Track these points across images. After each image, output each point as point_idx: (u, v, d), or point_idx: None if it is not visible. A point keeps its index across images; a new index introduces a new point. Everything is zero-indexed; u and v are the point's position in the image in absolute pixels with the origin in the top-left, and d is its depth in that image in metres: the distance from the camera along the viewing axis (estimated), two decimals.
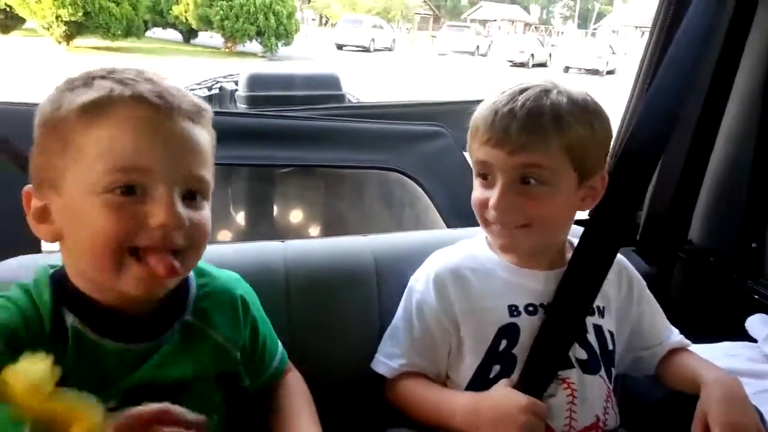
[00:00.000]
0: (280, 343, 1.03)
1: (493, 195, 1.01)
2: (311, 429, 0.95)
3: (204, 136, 0.81)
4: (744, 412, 0.99)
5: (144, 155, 0.74)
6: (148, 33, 18.20)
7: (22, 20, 15.51)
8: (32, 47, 14.03)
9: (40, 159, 0.77)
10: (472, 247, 1.15)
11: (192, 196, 0.79)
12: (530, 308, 1.06)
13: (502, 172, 1.01)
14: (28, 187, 0.79)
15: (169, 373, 0.82)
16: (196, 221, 0.78)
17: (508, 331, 1.04)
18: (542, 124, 0.98)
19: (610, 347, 1.08)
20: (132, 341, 0.81)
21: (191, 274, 0.92)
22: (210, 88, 3.10)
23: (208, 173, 0.81)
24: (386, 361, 1.10)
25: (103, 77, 0.78)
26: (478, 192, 1.06)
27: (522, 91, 1.02)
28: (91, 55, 13.81)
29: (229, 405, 0.94)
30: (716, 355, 1.31)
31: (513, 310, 1.05)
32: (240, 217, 2.07)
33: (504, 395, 0.98)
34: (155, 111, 0.75)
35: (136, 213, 0.74)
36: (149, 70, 0.82)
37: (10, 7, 14.38)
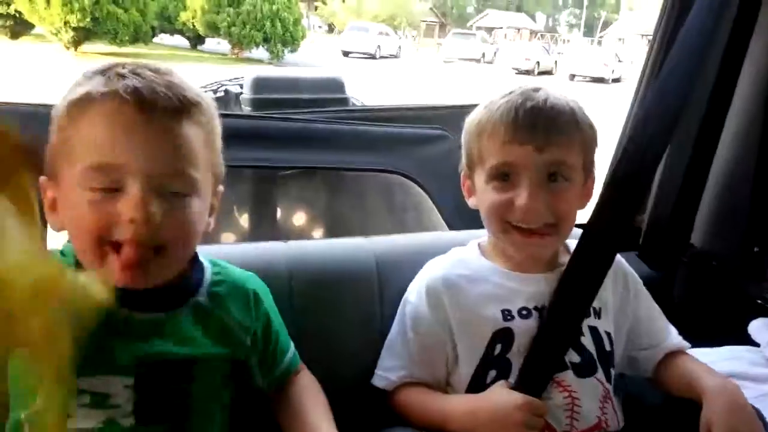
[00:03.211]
0: (291, 342, 1.04)
1: (521, 195, 1.00)
2: (326, 425, 0.95)
3: (192, 133, 0.81)
4: (747, 420, 0.99)
5: (117, 152, 0.77)
6: (156, 39, 18.27)
7: (31, 26, 15.62)
8: (40, 53, 14.11)
9: (48, 151, 0.81)
10: (463, 254, 1.15)
11: (174, 193, 0.80)
12: (524, 312, 1.06)
13: (529, 170, 1.00)
14: (42, 178, 0.82)
15: (178, 350, 0.85)
16: (175, 218, 0.80)
17: (503, 336, 1.04)
18: (567, 120, 1.02)
19: (608, 348, 1.08)
20: (138, 310, 0.84)
21: (207, 264, 0.95)
22: (215, 92, 3.11)
23: (195, 170, 0.82)
24: (385, 374, 1.10)
25: (102, 72, 0.81)
26: (495, 195, 1.04)
27: (536, 90, 1.04)
28: (98, 61, 13.85)
29: (239, 409, 0.95)
30: (718, 359, 1.30)
31: (506, 314, 1.05)
32: (243, 220, 2.08)
33: (501, 395, 0.98)
34: (129, 108, 0.77)
35: (112, 209, 0.77)
36: (152, 64, 0.84)
37: (19, 13, 14.48)
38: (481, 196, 1.07)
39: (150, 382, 0.82)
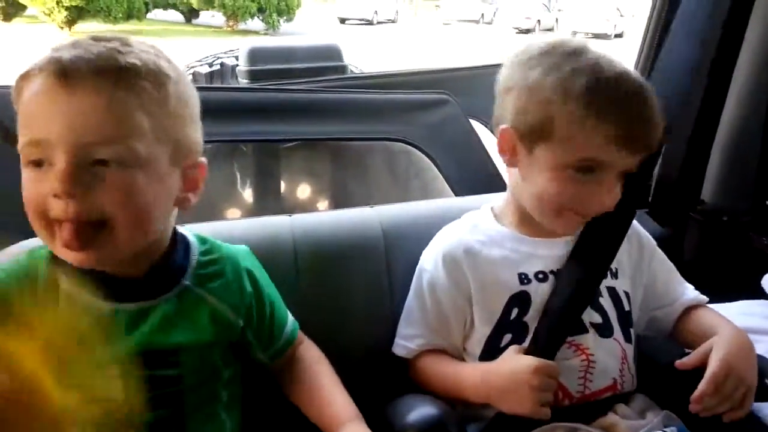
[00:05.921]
0: (289, 313, 1.03)
1: (601, 193, 0.99)
2: (337, 392, 0.96)
3: (124, 99, 0.75)
4: (747, 360, 0.98)
5: (41, 126, 0.74)
6: (150, 15, 18.01)
7: (23, 7, 15.42)
8: (35, 34, 13.97)
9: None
10: (477, 220, 1.13)
11: (107, 163, 0.75)
12: (540, 275, 1.05)
13: (614, 170, 0.98)
14: None
15: (166, 338, 0.84)
16: (113, 190, 0.75)
17: (519, 300, 1.04)
18: (655, 130, 0.98)
19: (627, 308, 1.08)
20: (123, 301, 0.83)
21: (194, 242, 0.92)
22: (211, 65, 3.08)
23: (132, 138, 0.76)
24: (405, 343, 1.10)
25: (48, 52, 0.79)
26: (570, 186, 0.98)
27: (637, 82, 0.98)
28: None
29: (246, 386, 0.94)
30: (732, 314, 1.29)
31: (523, 278, 1.05)
32: (247, 194, 2.07)
33: (513, 360, 0.98)
34: (53, 81, 0.74)
35: (45, 185, 0.75)
36: (100, 34, 0.81)
37: None
38: (542, 175, 0.99)
39: (137, 371, 0.81)
